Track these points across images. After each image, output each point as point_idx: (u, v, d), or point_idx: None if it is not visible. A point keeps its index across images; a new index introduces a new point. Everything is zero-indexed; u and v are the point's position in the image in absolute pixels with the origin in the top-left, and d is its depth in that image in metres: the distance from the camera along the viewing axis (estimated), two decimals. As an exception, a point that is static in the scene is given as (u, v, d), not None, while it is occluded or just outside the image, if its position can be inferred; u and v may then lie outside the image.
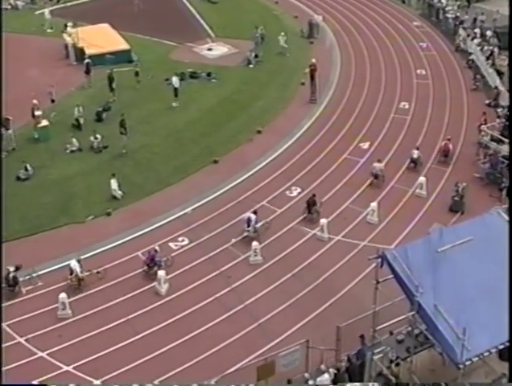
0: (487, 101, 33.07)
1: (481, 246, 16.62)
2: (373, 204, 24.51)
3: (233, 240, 23.29)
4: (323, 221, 23.63)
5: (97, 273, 21.60)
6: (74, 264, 21.32)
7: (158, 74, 36.10)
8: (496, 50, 37.58)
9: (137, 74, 34.91)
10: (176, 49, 40.25)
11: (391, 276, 16.66)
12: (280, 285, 21.38)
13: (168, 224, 24.28)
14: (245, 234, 23.48)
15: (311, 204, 24.73)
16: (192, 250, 23.04)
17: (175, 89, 33.50)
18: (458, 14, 44.30)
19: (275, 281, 21.47)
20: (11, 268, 21.07)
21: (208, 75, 36.13)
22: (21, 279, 21.13)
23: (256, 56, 38.52)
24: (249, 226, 23.54)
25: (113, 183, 25.70)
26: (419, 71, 37.52)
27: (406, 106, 33.37)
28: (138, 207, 25.19)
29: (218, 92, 34.63)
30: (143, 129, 30.50)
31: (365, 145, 29.59)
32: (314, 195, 24.92)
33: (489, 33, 40.63)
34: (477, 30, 40.90)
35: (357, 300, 19.85)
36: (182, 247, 23.18)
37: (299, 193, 26.13)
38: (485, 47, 38.14)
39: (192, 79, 35.57)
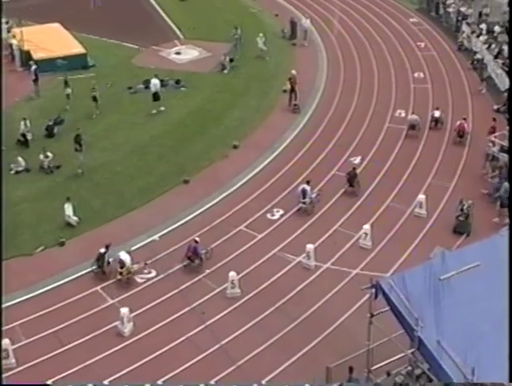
0: (495, 106, 33.57)
1: (490, 272, 16.67)
2: (366, 227, 24.57)
3: (207, 271, 23.26)
4: (309, 247, 23.64)
5: (145, 264, 23.19)
6: (125, 256, 22.85)
7: (118, 82, 36.31)
8: (505, 47, 37.82)
9: (94, 82, 34.64)
10: (140, 53, 40.52)
11: (387, 308, 16.69)
12: (261, 320, 21.29)
13: (132, 254, 23.91)
14: (301, 206, 25.91)
15: (352, 177, 27.17)
16: (159, 283, 22.88)
17: (155, 94, 33.76)
18: (461, 7, 44.90)
19: (256, 316, 21.37)
20: (102, 250, 23.23)
21: (177, 82, 36.38)
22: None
23: (231, 60, 38.80)
24: (304, 197, 25.88)
25: (68, 208, 25.54)
26: (416, 75, 37.93)
27: (403, 114, 33.56)
28: (96, 235, 25.01)
29: (188, 101, 34.84)
30: (102, 145, 30.54)
31: (357, 160, 29.70)
32: (354, 168, 27.75)
33: (497, 28, 41.23)
34: (483, 26, 41.55)
35: (349, 336, 19.83)
36: (148, 280, 23.01)
37: (282, 215, 26.19)
38: (493, 45, 38.65)
39: (149, 90, 35.44)
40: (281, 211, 26.36)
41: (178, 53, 40.68)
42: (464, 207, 24.88)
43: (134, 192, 27.55)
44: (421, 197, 26.29)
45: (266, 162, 29.69)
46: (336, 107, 34.59)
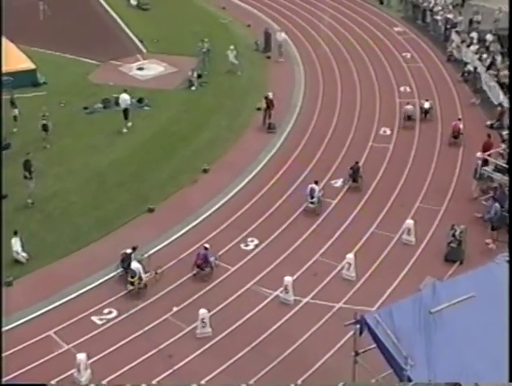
0: (489, 122, 34.01)
1: (485, 304, 16.64)
2: (350, 256, 24.61)
3: (175, 309, 23.13)
4: (287, 280, 23.58)
5: (156, 273, 24.20)
6: (136, 265, 23.70)
7: (73, 101, 36.21)
8: (498, 58, 38.64)
9: (44, 108, 33.50)
10: (97, 69, 40.59)
11: (374, 345, 16.65)
12: (236, 362, 21.16)
13: (90, 293, 23.89)
14: (309, 205, 27.69)
15: (355, 171, 29.10)
16: (121, 324, 22.67)
17: (125, 110, 33.88)
18: (450, 15, 45.61)
19: (230, 357, 21.25)
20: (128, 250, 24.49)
21: (139, 101, 36.34)
22: None
23: (199, 76, 39.02)
24: (312, 197, 27.61)
25: (15, 243, 25.23)
26: (402, 89, 38.39)
27: (388, 132, 34.06)
28: (49, 273, 24.77)
29: (152, 122, 34.87)
30: (55, 172, 30.32)
31: (338, 183, 29.86)
32: (357, 162, 29.65)
33: (489, 37, 41.96)
34: (474, 35, 42.22)
35: (332, 377, 19.74)
36: (108, 321, 22.77)
37: (257, 246, 26.18)
38: (485, 55, 39.18)
39: (119, 106, 35.57)
40: (256, 241, 26.34)
41: (140, 68, 40.81)
42: (457, 233, 24.90)
43: (91, 224, 27.37)
44: (409, 222, 26.27)
45: (239, 187, 29.75)
46: (315, 125, 34.90)
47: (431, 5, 47.51)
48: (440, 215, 27.59)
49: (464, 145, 32.37)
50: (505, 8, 43.34)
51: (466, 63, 40.19)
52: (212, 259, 24.59)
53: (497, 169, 27.81)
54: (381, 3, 52.09)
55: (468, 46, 41.14)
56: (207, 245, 24.76)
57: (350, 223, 27.35)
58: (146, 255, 24.94)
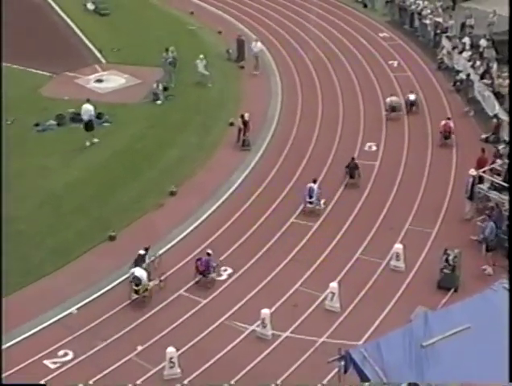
0: (483, 136, 34.13)
1: (482, 336, 16.53)
2: (333, 285, 24.48)
3: (139, 348, 22.92)
4: (264, 313, 23.42)
5: (160, 281, 25.29)
6: (141, 272, 24.66)
7: (22, 117, 35.96)
8: (494, 65, 38.97)
9: None
10: (50, 81, 40.64)
11: (360, 383, 16.59)
12: (208, 406, 21.32)
13: (42, 332, 23.63)
14: (308, 206, 29.10)
15: (352, 168, 30.87)
16: (78, 367, 22.34)
17: (88, 122, 33.87)
18: (440, 19, 45.94)
19: (201, 402, 21.37)
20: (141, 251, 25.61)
21: (99, 116, 36.11)
22: None
23: (165, 89, 39.08)
24: (311, 197, 28.97)
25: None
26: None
27: (374, 148, 34.08)
28: (-6, 312, 24.89)
29: (113, 139, 34.84)
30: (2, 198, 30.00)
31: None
32: (353, 158, 31.44)
33: (483, 42, 42.29)
34: (467, 40, 42.46)
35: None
36: (63, 364, 22.46)
37: (230, 275, 26.09)
38: (478, 62, 39.39)
39: (75, 123, 35.60)
40: (229, 270, 26.25)
41: (99, 80, 40.86)
42: (450, 258, 24.90)
43: (44, 255, 27.14)
44: (398, 247, 26.22)
45: (209, 211, 29.69)
46: (294, 142, 34.93)
47: (419, 8, 47.73)
48: (432, 238, 27.57)
49: (457, 161, 32.31)
50: (501, 11, 43.83)
51: (458, 71, 40.39)
52: (214, 265, 25.56)
53: (494, 187, 27.94)
54: (365, 6, 52.44)
55: (460, 52, 41.34)
56: (209, 251, 25.63)
57: (334, 248, 27.25)
58: (157, 255, 26.36)
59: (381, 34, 47.20)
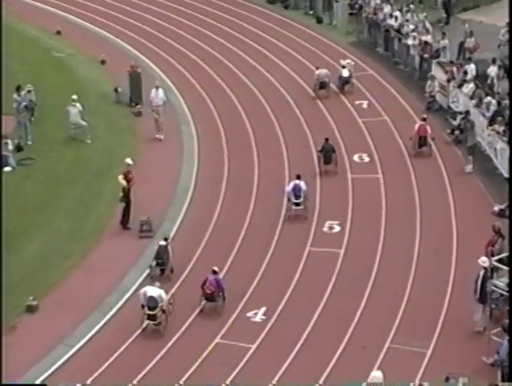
0: (497, 208, 31.69)
1: None
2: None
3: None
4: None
5: (170, 304, 27.62)
6: (157, 292, 27.30)
7: None
8: (506, 103, 35.66)
9: None
10: None
11: None
12: None
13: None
14: (294, 208, 33.61)
15: (328, 151, 35.67)
16: None
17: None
18: (428, 37, 43.22)
19: None
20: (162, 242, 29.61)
21: None
22: None
23: (19, 149, 37.37)
24: (298, 196, 32.89)
25: None
26: (357, 157, 36.91)
27: (336, 229, 32.45)
28: None
29: None
30: None
31: (257, 317, 28.12)
32: (327, 139, 35.60)
33: (491, 71, 39.39)
34: (468, 68, 39.56)
35: None
36: None
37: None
38: (485, 99, 36.52)
39: None
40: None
41: None
42: (456, 388, 21.86)
43: None
44: (375, 375, 24.02)
45: (89, 335, 27.72)
46: (217, 223, 33.03)
47: (397, 22, 45.01)
48: (426, 360, 25.91)
49: (458, 244, 31.48)
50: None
51: (456, 114, 38.53)
52: (225, 286, 27.81)
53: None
54: (319, 22, 51.31)
55: (460, 86, 39.12)
56: (215, 268, 27.96)
57: (283, 375, 25.26)
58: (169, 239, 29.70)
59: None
